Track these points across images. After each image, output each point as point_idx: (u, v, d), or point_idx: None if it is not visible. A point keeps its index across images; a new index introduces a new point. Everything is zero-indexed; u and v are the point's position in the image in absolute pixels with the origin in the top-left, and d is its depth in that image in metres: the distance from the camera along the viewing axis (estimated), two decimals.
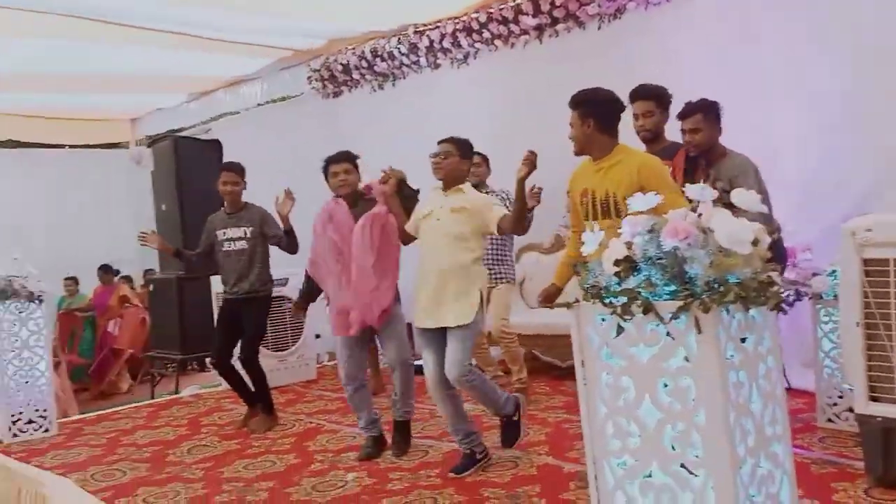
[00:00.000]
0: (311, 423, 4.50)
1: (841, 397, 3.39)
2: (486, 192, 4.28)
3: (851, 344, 2.78)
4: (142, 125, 9.82)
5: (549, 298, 3.16)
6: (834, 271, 3.31)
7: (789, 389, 4.02)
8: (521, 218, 3.28)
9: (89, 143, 10.09)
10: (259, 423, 4.41)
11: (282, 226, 4.32)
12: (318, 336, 6.32)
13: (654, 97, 3.32)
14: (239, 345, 4.45)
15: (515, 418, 3.46)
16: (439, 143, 3.49)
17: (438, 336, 3.33)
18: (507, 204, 4.31)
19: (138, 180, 9.69)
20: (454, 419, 3.38)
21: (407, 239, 3.61)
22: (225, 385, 5.75)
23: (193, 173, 6.49)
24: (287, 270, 5.32)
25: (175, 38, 6.10)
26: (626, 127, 3.32)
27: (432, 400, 3.44)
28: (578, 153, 3.02)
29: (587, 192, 2.94)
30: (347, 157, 3.83)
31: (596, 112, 2.89)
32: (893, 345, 2.64)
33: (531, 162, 3.15)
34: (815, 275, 3.47)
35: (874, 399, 2.71)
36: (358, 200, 3.78)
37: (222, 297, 4.62)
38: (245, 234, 4.41)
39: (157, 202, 6.84)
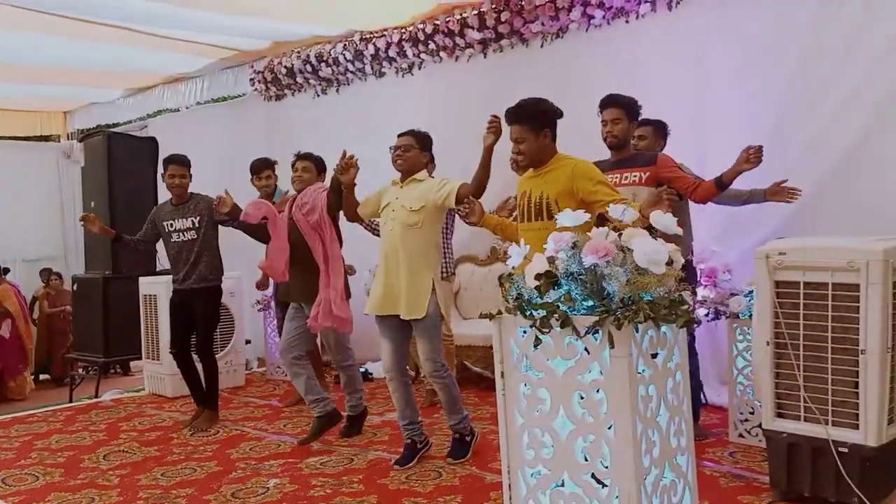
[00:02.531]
0: (235, 430, 4.41)
1: (752, 413, 3.53)
2: None
3: (761, 362, 2.91)
4: (75, 119, 9.50)
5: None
6: (751, 292, 3.45)
7: (705, 405, 4.18)
8: (482, 185, 3.32)
9: (19, 135, 9.69)
10: (205, 420, 4.43)
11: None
12: (248, 342, 6.21)
13: (623, 106, 3.55)
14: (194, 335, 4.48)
15: (469, 439, 3.63)
16: (400, 135, 3.58)
17: (394, 323, 3.49)
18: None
19: (68, 175, 9.37)
20: (403, 405, 3.55)
21: (354, 217, 3.74)
22: (147, 389, 5.62)
23: (126, 171, 6.30)
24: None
25: (114, 32, 5.92)
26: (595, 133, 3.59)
27: (387, 385, 3.57)
28: (529, 166, 3.05)
29: (524, 194, 3.03)
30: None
31: (550, 122, 2.98)
32: (801, 364, 2.77)
33: (496, 128, 3.19)
34: (732, 295, 3.61)
35: (780, 415, 2.84)
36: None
37: (172, 289, 4.55)
38: (193, 224, 4.38)
39: (87, 199, 6.59)
